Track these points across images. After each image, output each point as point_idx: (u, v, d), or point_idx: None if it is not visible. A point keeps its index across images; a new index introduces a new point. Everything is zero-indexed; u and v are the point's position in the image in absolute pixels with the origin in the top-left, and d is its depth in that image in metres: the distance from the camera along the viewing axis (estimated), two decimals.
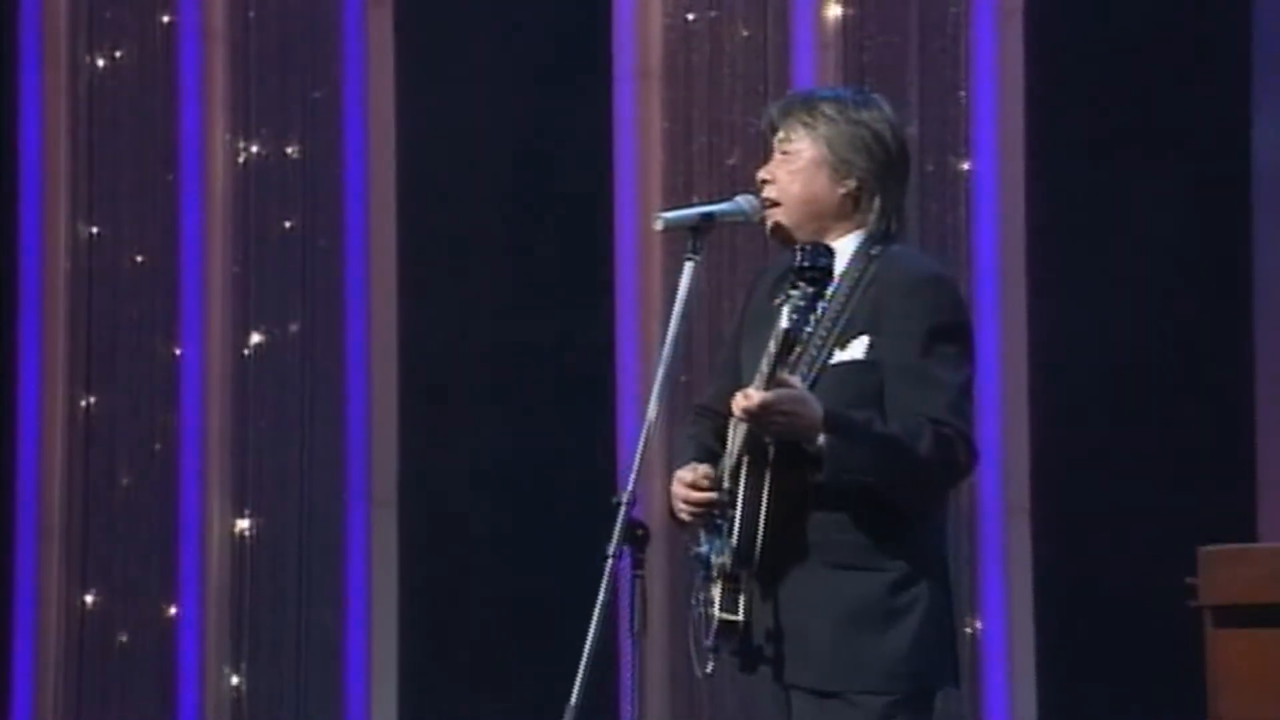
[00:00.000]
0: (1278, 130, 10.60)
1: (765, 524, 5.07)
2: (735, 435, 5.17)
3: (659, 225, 5.52)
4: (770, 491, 5.07)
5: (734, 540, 5.09)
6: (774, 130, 5.38)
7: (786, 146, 5.29)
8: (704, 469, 5.19)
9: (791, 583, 5.13)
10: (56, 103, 10.02)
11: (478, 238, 9.92)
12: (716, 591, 5.15)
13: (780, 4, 10.07)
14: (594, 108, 10.09)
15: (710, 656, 5.23)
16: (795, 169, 5.26)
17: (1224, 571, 7.88)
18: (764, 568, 5.11)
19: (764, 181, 5.33)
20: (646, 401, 5.22)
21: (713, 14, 10.11)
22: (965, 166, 10.00)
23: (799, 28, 10.08)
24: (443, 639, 9.67)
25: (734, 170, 9.76)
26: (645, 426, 5.16)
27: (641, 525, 5.04)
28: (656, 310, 9.19)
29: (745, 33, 10.04)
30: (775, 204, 5.29)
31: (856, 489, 5.12)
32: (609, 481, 5.42)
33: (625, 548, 5.02)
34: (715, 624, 5.19)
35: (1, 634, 9.95)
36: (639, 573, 5.05)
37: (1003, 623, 9.89)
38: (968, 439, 5.14)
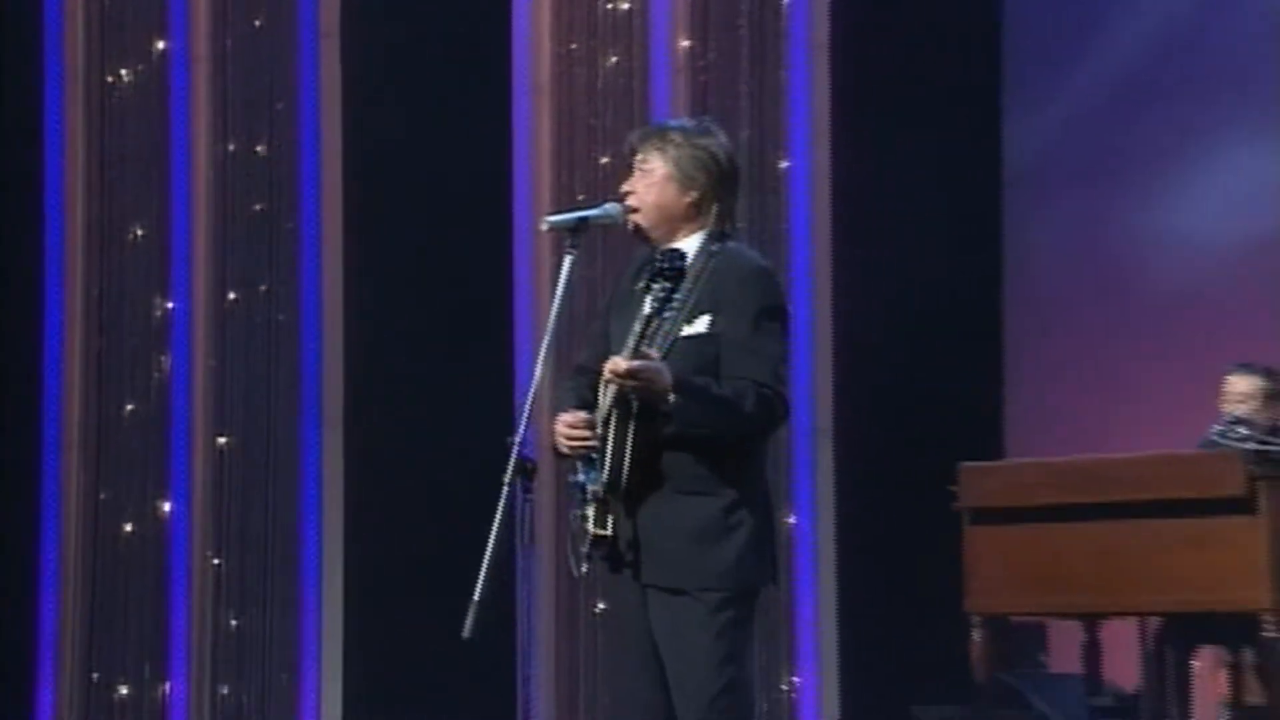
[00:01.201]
0: (1020, 136, 11.02)
1: (629, 460, 5.06)
2: (606, 392, 5.13)
3: (545, 227, 5.48)
4: (633, 434, 5.05)
5: (605, 472, 5.08)
6: (634, 153, 5.30)
7: (643, 165, 5.24)
8: (581, 414, 5.14)
9: (649, 505, 5.13)
10: (75, 110, 10.07)
11: (406, 219, 9.99)
12: (590, 511, 5.14)
13: (641, 36, 10.19)
14: (497, 115, 10.17)
15: (585, 561, 5.23)
16: (650, 183, 5.21)
17: (977, 481, 8.57)
18: (628, 493, 5.10)
19: (626, 193, 5.27)
20: (536, 362, 5.24)
21: (590, 43, 10.20)
22: (784, 165, 10.17)
23: (656, 55, 10.19)
24: (381, 531, 9.79)
25: (605, 167, 9.91)
26: (534, 382, 5.14)
27: (530, 460, 5.02)
28: (546, 286, 9.24)
29: (614, 58, 10.14)
30: (635, 210, 5.23)
31: (698, 435, 5.12)
32: (507, 421, 5.47)
33: (518, 478, 4.99)
34: (589, 536, 5.18)
35: (33, 523, 10.02)
36: (529, 497, 5.03)
37: (810, 519, 10.07)
38: (783, 398, 5.16)
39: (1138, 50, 11.02)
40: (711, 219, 5.21)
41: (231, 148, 10.08)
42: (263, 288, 10.07)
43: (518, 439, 5.01)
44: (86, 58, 10.14)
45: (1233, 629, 8.30)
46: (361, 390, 9.99)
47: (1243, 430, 8.28)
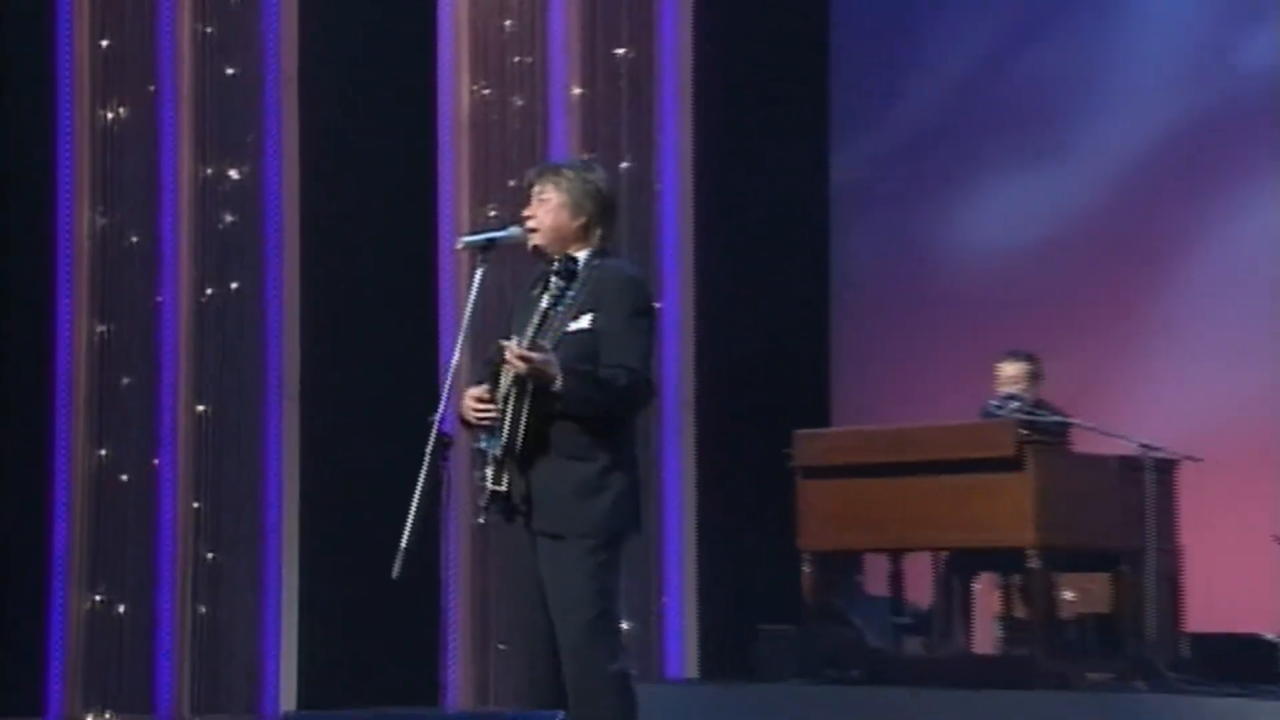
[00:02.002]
0: (844, 164, 11.42)
1: (523, 428, 5.09)
2: (506, 375, 5.13)
3: (459, 246, 5.58)
4: (527, 409, 5.09)
5: (504, 439, 5.10)
6: (532, 185, 5.35)
7: (541, 195, 5.28)
8: (485, 388, 5.18)
9: (538, 466, 5.14)
10: (82, 139, 9.81)
11: (351, 232, 10.00)
12: (490, 470, 5.15)
13: (542, 84, 10.37)
14: (425, 147, 10.32)
15: (484, 513, 5.24)
16: (547, 210, 5.25)
17: (808, 445, 8.97)
18: (521, 456, 5.11)
19: (527, 218, 5.30)
20: (454, 353, 5.32)
21: (501, 89, 10.36)
22: (657, 188, 10.50)
23: (554, 100, 10.42)
24: (329, 484, 9.77)
25: (514, 189, 9.61)
26: (451, 370, 5.23)
27: (448, 435, 5.10)
28: (464, 290, 8.65)
29: (520, 102, 10.35)
30: (535, 231, 5.27)
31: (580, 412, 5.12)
32: (431, 401, 5.34)
33: (438, 448, 5.06)
34: (489, 492, 5.17)
35: (48, 473, 9.74)
36: (445, 464, 5.10)
37: (677, 473, 10.37)
38: (649, 382, 5.26)
39: (941, 93, 11.35)
40: (596, 239, 5.29)
41: (209, 171, 9.89)
42: (234, 285, 9.91)
43: (438, 417, 5.08)
44: (91, 95, 9.86)
45: (1004, 560, 8.56)
46: (313, 370, 9.93)
47: (1014, 404, 8.65)
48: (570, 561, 5.16)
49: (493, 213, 9.94)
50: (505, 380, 5.13)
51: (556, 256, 5.23)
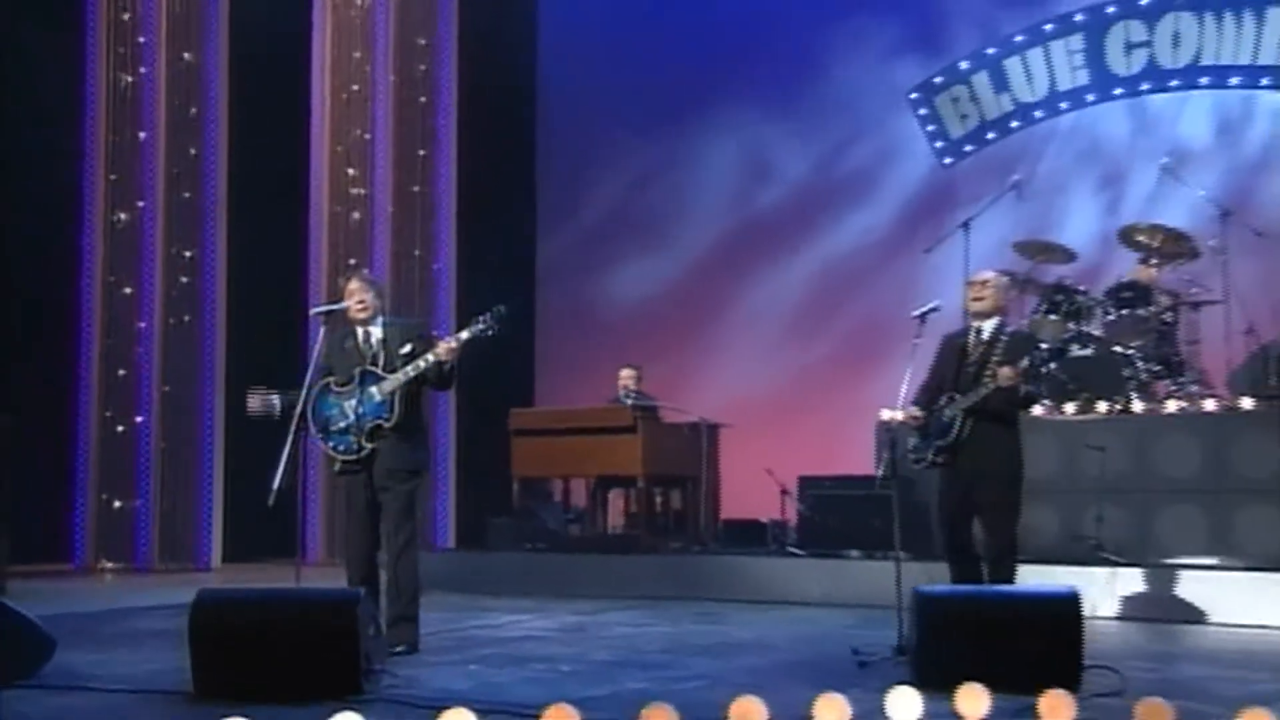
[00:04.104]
0: (546, 245, 12.18)
1: (399, 407, 5.13)
2: (399, 374, 5.12)
3: (313, 312, 5.55)
4: (402, 402, 5.12)
5: (396, 417, 5.13)
6: (363, 281, 5.39)
7: (365, 292, 5.34)
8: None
9: (390, 431, 5.19)
10: (97, 232, 10.40)
11: (256, 293, 10.54)
12: (366, 431, 5.13)
13: (369, 205, 11.06)
14: (297, 240, 11.02)
15: (344, 463, 5.16)
16: (373, 298, 5.32)
17: (519, 417, 9.09)
18: (391, 427, 5.16)
19: (360, 301, 5.32)
20: (309, 373, 5.32)
21: (346, 206, 11.06)
22: (436, 267, 11.23)
23: (377, 215, 11.30)
24: (241, 431, 9.62)
25: (351, 268, 10.52)
26: (306, 384, 5.24)
27: (304, 421, 5.06)
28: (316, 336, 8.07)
29: (357, 215, 11.22)
30: (366, 308, 5.31)
31: (415, 409, 5.20)
32: (297, 396, 5.15)
33: (299, 429, 5.04)
34: (367, 450, 5.14)
35: (72, 427, 10.21)
36: (304, 437, 5.09)
37: (446, 432, 11.02)
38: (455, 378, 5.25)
39: (609, 202, 11.72)
40: (388, 308, 5.57)
41: (173, 250, 10.60)
42: (186, 318, 10.59)
43: (298, 410, 5.17)
44: (104, 207, 10.31)
45: (626, 481, 8.85)
46: (233, 370, 10.43)
47: (634, 396, 9.03)
48: (404, 489, 5.26)
49: (340, 280, 9.65)
50: (394, 380, 5.18)
51: (368, 325, 5.46)
